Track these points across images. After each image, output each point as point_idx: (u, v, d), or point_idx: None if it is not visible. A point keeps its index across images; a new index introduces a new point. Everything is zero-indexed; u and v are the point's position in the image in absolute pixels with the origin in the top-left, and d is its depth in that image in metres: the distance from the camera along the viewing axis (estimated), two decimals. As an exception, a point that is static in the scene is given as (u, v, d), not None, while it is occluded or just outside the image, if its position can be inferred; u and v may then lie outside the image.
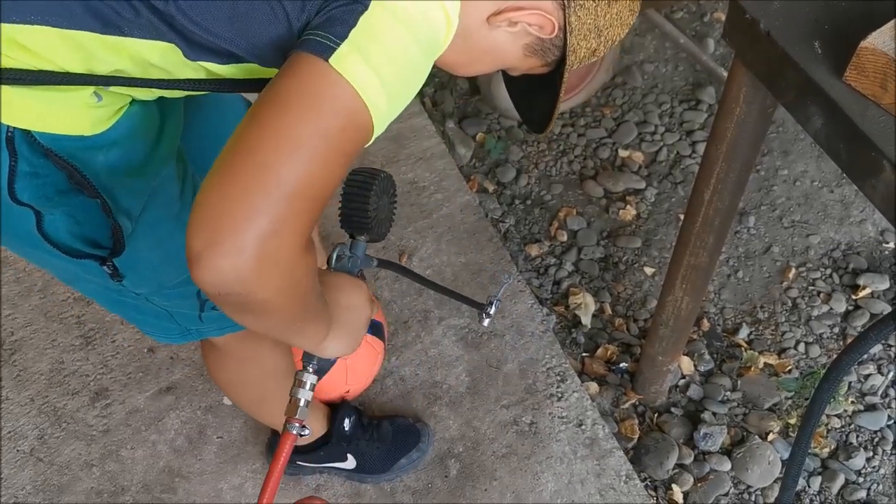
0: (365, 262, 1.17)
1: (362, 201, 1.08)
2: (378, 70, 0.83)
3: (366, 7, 0.84)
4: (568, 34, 1.00)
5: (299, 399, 1.06)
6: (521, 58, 1.04)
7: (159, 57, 0.91)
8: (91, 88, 0.92)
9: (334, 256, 1.14)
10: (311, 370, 1.07)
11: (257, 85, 0.92)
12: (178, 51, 0.90)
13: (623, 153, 2.47)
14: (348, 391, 1.75)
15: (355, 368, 1.70)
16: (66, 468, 1.80)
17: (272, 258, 0.78)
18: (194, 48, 0.91)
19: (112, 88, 0.94)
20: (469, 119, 2.55)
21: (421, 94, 2.59)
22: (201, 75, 0.95)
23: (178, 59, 0.92)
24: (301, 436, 1.05)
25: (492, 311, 1.42)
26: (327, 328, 1.02)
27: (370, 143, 0.89)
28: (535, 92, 1.13)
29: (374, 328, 1.76)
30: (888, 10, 1.05)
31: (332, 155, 0.82)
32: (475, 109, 2.59)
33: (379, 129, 0.87)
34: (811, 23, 1.11)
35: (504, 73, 1.16)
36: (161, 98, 1.04)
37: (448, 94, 2.60)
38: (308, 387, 1.07)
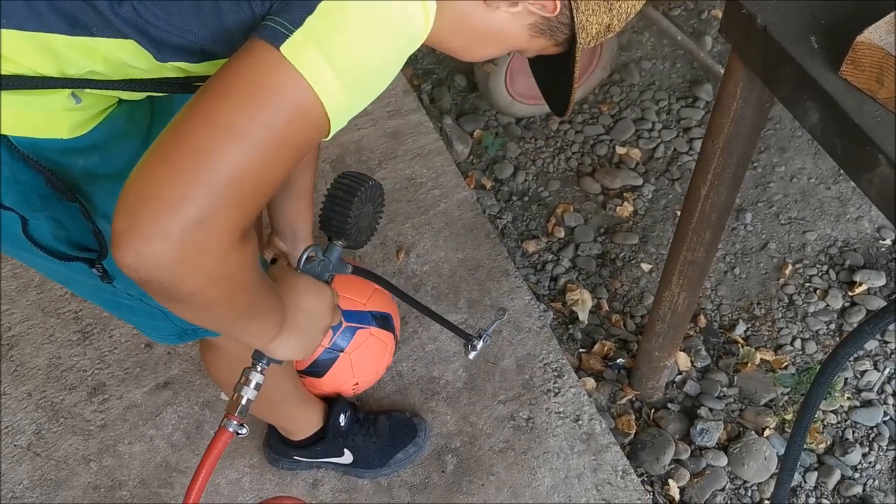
0: (338, 268, 1.14)
1: (345, 206, 1.06)
2: (335, 61, 0.78)
3: None
4: (574, 11, 0.94)
5: (242, 397, 1.04)
6: (528, 39, 0.98)
7: (131, 56, 0.88)
8: (67, 91, 0.90)
9: (304, 258, 1.11)
10: (259, 370, 1.05)
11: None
12: (145, 52, 0.88)
13: (620, 150, 2.48)
14: (357, 384, 1.75)
15: (361, 362, 1.70)
16: (63, 463, 1.80)
17: (199, 248, 0.75)
18: (163, 49, 0.88)
19: (89, 91, 0.92)
20: (467, 116, 2.55)
21: (419, 90, 2.59)
22: (178, 74, 0.93)
23: (150, 59, 0.89)
24: (238, 434, 1.02)
25: (478, 346, 1.38)
26: (278, 329, 1.00)
27: (328, 137, 0.85)
28: (556, 73, 1.08)
29: (383, 320, 1.74)
30: (884, 5, 1.05)
31: (274, 147, 0.78)
32: (473, 106, 2.59)
33: (337, 124, 0.83)
34: (807, 18, 1.11)
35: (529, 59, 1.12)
36: (151, 97, 1.03)
37: (446, 91, 2.60)
38: (253, 385, 1.04)
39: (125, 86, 0.92)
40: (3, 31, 0.83)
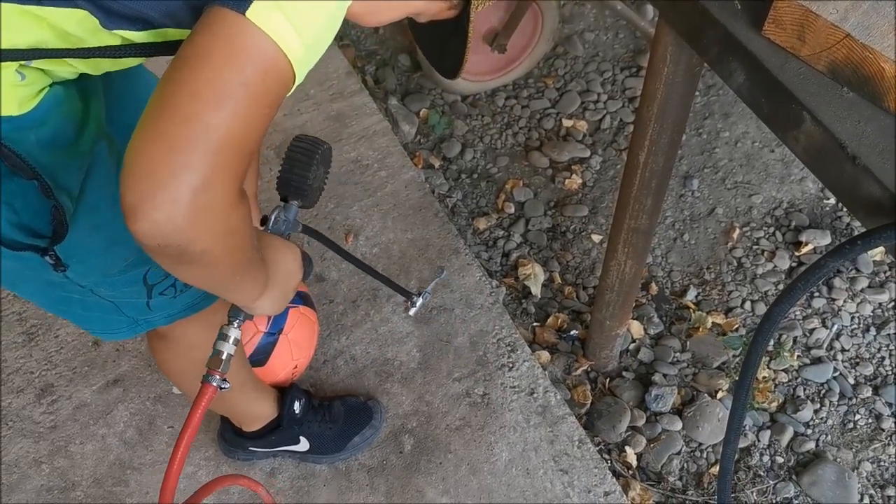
0: (293, 227, 1.19)
1: (304, 167, 1.12)
2: (294, 20, 0.83)
3: None
4: None
5: (222, 352, 1.07)
6: (425, 3, 1.03)
7: (76, 25, 0.89)
8: (14, 66, 0.90)
9: (272, 218, 1.16)
10: (236, 325, 1.08)
11: (174, 47, 0.91)
12: (94, 19, 0.89)
13: (567, 123, 2.48)
14: (296, 366, 1.74)
15: (298, 342, 1.70)
16: (14, 467, 1.77)
17: (206, 208, 0.80)
18: (111, 17, 0.89)
19: (35, 64, 0.92)
20: (412, 95, 2.53)
21: (362, 72, 2.57)
22: (118, 42, 0.93)
23: (94, 27, 0.90)
24: (221, 388, 1.06)
25: (417, 302, 1.41)
26: (264, 286, 1.03)
27: (290, 92, 0.89)
28: (446, 37, 1.13)
29: (306, 297, 1.77)
30: (803, -37, 1.06)
31: (254, 105, 0.83)
32: (418, 85, 2.57)
33: (300, 78, 0.88)
34: (730, -22, 1.11)
35: (410, 19, 1.15)
36: (81, 79, 1.02)
37: (390, 72, 2.58)
38: (232, 341, 1.08)
39: (72, 54, 0.93)
40: None
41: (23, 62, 0.91)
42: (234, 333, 1.08)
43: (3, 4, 0.85)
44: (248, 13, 0.81)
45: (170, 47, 0.93)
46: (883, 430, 1.95)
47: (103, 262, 1.11)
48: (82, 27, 0.90)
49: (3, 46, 0.88)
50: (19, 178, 0.95)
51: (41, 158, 0.96)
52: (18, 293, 1.19)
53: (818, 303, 2.13)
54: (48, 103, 0.96)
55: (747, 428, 1.94)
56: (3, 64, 0.89)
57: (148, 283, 1.17)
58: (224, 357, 1.07)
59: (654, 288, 2.17)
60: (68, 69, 0.97)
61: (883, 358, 2.06)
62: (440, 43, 1.16)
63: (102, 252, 1.09)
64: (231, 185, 0.82)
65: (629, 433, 1.92)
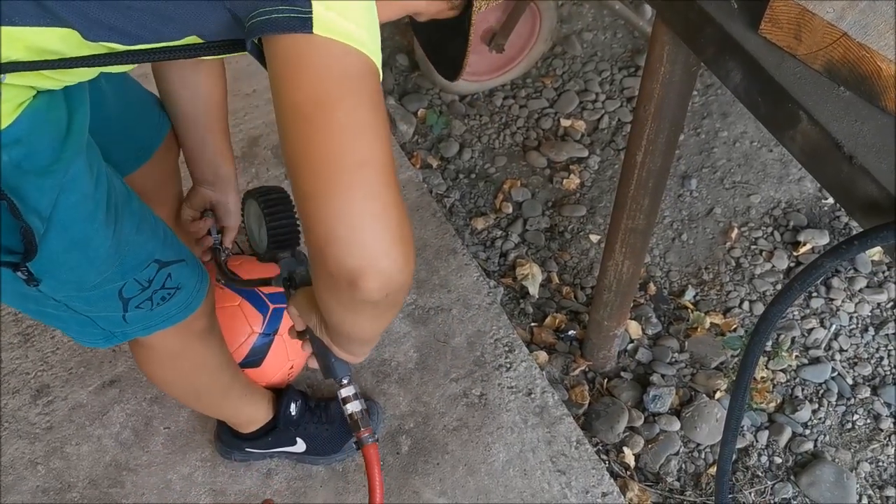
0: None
1: (290, 214, 1.15)
2: (348, 14, 0.81)
3: None
4: None
5: (354, 413, 1.14)
6: (426, 3, 1.02)
7: (59, 42, 0.87)
8: None
9: (296, 275, 1.19)
10: (345, 382, 1.15)
11: (167, 52, 0.90)
12: (76, 34, 0.86)
13: (565, 122, 2.47)
14: (292, 367, 1.74)
15: (293, 343, 1.68)
16: (9, 468, 1.76)
17: (408, 235, 0.82)
18: (94, 28, 0.86)
19: (10, 79, 0.89)
20: (410, 95, 2.53)
21: (360, 71, 2.56)
22: (103, 52, 0.91)
23: (78, 42, 0.88)
24: (376, 442, 1.16)
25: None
26: None
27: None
28: (446, 38, 1.11)
29: None
30: (800, -39, 1.05)
31: (379, 114, 0.82)
32: (415, 85, 2.56)
33: (379, 65, 0.86)
34: (726, -23, 1.11)
35: (412, 19, 1.14)
36: (67, 89, 1.00)
37: (388, 71, 2.58)
38: (353, 396, 1.14)
39: (49, 65, 0.90)
40: None
41: None
42: (351, 390, 1.15)
43: None
44: (315, 31, 0.78)
45: (156, 53, 0.91)
46: (881, 431, 1.95)
47: (77, 277, 1.08)
48: (65, 43, 0.87)
49: None
50: None
51: (11, 180, 0.93)
52: None
53: (816, 303, 2.13)
54: (26, 119, 0.93)
55: (745, 428, 1.94)
56: None
57: (123, 297, 1.15)
58: (359, 417, 1.14)
59: (652, 288, 2.17)
60: (50, 81, 0.94)
61: (881, 358, 2.05)
62: (441, 44, 1.15)
63: (75, 268, 1.07)
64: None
65: (627, 434, 1.92)
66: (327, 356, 1.13)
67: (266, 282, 1.33)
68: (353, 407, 1.15)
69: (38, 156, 0.96)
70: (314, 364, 1.18)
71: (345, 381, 1.14)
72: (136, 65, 0.97)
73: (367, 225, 0.78)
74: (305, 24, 0.78)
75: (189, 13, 0.87)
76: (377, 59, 0.84)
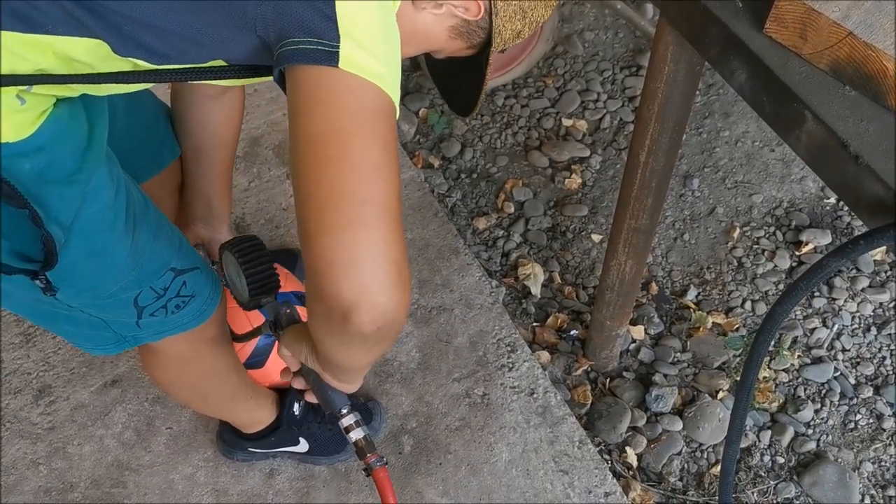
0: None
1: (266, 260, 1.16)
2: (373, 50, 0.83)
3: None
4: (493, 16, 1.01)
5: (360, 440, 1.14)
6: (447, 40, 1.04)
7: (85, 53, 0.88)
8: (14, 91, 0.88)
9: (282, 315, 1.19)
10: (345, 412, 1.14)
11: (191, 73, 0.91)
12: (105, 46, 0.88)
13: (567, 122, 2.47)
14: (296, 369, 1.74)
15: None
16: (11, 468, 1.76)
17: (406, 273, 0.83)
18: (125, 42, 0.88)
19: (35, 90, 0.90)
20: (411, 95, 2.53)
21: (361, 71, 2.56)
22: (129, 69, 0.92)
23: (106, 54, 0.89)
24: (385, 465, 1.16)
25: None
26: None
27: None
28: (460, 75, 1.13)
29: (303, 299, 1.75)
30: (805, -39, 1.05)
31: (393, 157, 0.83)
32: (417, 85, 2.56)
33: (397, 101, 0.88)
34: (731, -24, 1.11)
35: (427, 56, 1.14)
36: (86, 99, 1.00)
37: (389, 71, 2.57)
38: (355, 424, 1.14)
39: (78, 79, 0.91)
40: None
41: (22, 87, 0.89)
42: (353, 419, 1.15)
43: (3, 33, 0.83)
44: (340, 65, 0.80)
45: (181, 73, 0.92)
46: (884, 430, 1.95)
47: (94, 285, 1.09)
48: (93, 55, 0.88)
49: (3, 72, 0.86)
50: (10, 205, 0.93)
51: (33, 189, 0.94)
52: (3, 307, 1.17)
53: (819, 302, 2.13)
54: (49, 129, 0.94)
55: (748, 428, 1.94)
56: (2, 89, 0.87)
57: (139, 305, 1.16)
58: (364, 444, 1.14)
59: (654, 288, 2.16)
60: (69, 90, 0.95)
61: (884, 358, 2.05)
62: (456, 80, 1.16)
63: (93, 276, 1.07)
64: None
65: (630, 433, 1.92)
66: (323, 389, 1.13)
67: (255, 332, 1.34)
68: (356, 435, 1.15)
69: (60, 165, 0.97)
70: (312, 398, 1.18)
71: (344, 411, 1.14)
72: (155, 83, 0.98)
73: (366, 260, 0.79)
74: (332, 58, 0.80)
75: (220, 38, 0.88)
76: (395, 97, 0.86)
